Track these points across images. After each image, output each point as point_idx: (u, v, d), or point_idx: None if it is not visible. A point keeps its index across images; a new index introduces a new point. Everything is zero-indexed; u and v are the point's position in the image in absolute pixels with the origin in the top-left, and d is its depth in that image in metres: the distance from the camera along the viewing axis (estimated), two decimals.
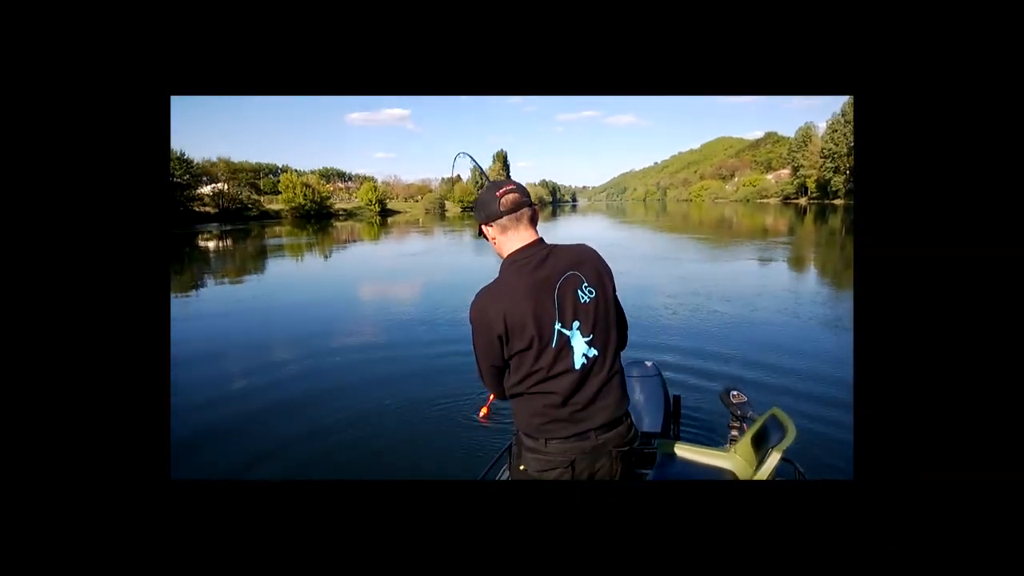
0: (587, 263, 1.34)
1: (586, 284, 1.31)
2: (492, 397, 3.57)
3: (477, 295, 1.31)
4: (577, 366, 1.29)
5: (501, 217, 1.32)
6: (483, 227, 1.37)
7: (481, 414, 3.43)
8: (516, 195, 1.33)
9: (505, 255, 1.35)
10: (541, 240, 1.35)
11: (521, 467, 1.36)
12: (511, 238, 1.34)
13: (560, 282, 1.29)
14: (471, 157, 2.42)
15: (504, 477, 2.21)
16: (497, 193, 1.33)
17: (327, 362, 5.60)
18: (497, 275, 1.34)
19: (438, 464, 3.26)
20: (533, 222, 1.35)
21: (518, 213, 1.33)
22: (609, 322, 1.35)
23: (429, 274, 12.35)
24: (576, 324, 1.29)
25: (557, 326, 1.27)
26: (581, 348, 1.30)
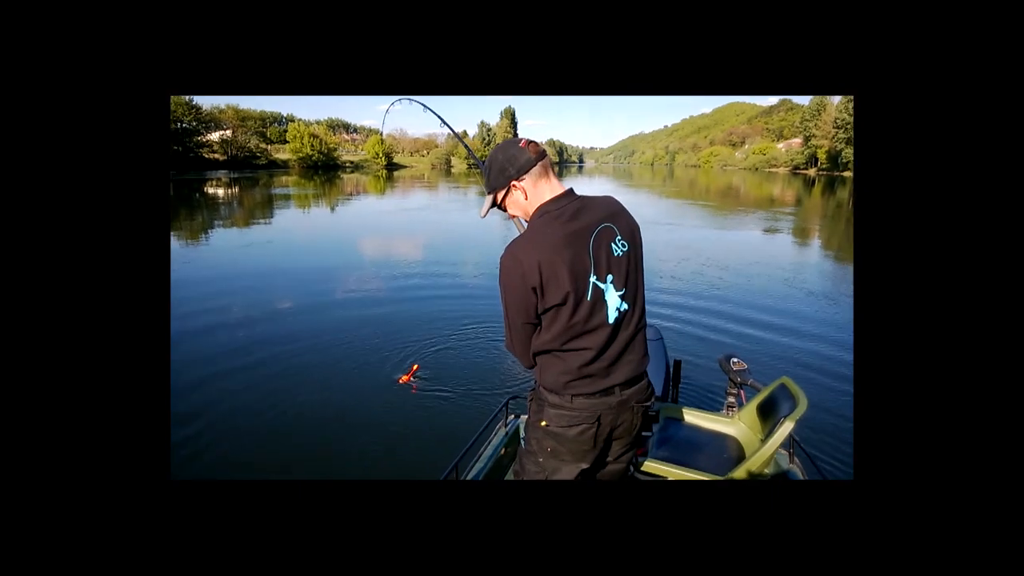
0: (620, 216, 1.31)
1: (619, 237, 1.29)
2: (415, 367, 4.00)
3: (509, 247, 1.25)
4: (611, 320, 1.27)
5: (535, 165, 1.28)
6: (512, 185, 1.30)
7: (403, 379, 3.51)
8: (537, 143, 1.31)
9: (535, 207, 1.30)
10: (571, 190, 1.31)
11: (543, 423, 1.33)
12: (542, 188, 1.29)
13: (595, 234, 1.25)
14: (413, 100, 2.28)
15: (499, 439, 2.24)
16: (520, 144, 1.30)
17: (326, 317, 5.71)
18: (525, 227, 1.32)
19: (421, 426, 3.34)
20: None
21: (546, 160, 1.30)
22: (639, 277, 1.33)
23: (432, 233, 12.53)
24: (610, 277, 1.26)
25: (593, 278, 1.24)
26: (615, 302, 1.28)
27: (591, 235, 1.24)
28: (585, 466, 1.36)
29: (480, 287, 6.81)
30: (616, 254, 1.27)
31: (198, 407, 3.53)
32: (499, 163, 1.30)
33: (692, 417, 2.24)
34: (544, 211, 1.27)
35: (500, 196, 1.34)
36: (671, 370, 2.79)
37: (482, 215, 1.45)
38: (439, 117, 2.62)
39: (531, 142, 1.30)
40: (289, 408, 3.59)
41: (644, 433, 2.14)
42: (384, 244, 10.70)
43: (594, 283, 1.24)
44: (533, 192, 1.29)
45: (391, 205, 20.28)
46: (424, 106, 2.97)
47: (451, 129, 2.61)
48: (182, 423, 3.29)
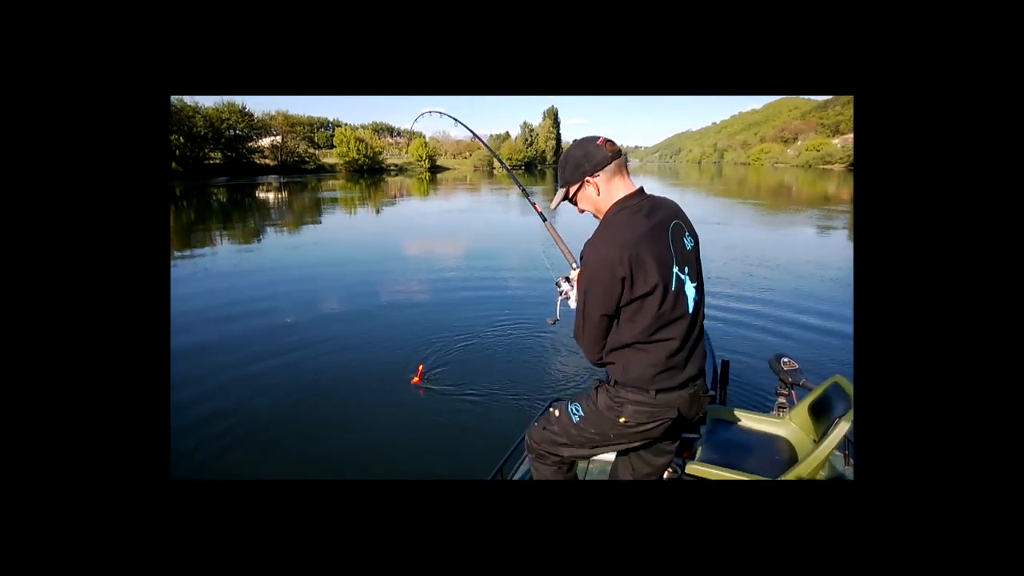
0: (682, 214, 1.37)
1: (687, 233, 1.35)
2: (421, 367, 3.94)
3: (594, 241, 1.28)
4: (690, 310, 1.31)
5: (610, 163, 1.31)
6: (586, 181, 1.33)
7: (414, 380, 3.44)
8: (613, 142, 1.33)
9: (608, 204, 1.33)
10: (642, 188, 1.35)
11: (622, 419, 1.35)
12: (615, 185, 1.33)
13: (671, 228, 1.30)
14: (443, 114, 2.39)
15: (521, 473, 2.16)
16: (598, 142, 1.33)
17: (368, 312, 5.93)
18: (603, 222, 1.34)
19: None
20: None
21: (621, 159, 1.33)
22: (702, 271, 1.38)
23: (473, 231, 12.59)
24: (686, 269, 1.31)
25: (675, 269, 1.28)
26: (691, 293, 1.32)
27: (668, 229, 1.29)
28: (632, 446, 1.43)
29: (519, 288, 6.72)
30: (688, 247, 1.33)
31: (231, 406, 3.61)
32: (575, 159, 1.34)
33: (740, 418, 2.15)
34: (622, 206, 1.31)
35: (573, 190, 1.37)
36: (718, 371, 2.69)
37: (552, 207, 1.48)
38: (469, 130, 2.73)
39: (608, 140, 1.33)
40: (322, 407, 3.62)
41: (689, 435, 2.16)
42: (425, 245, 10.80)
43: (676, 274, 1.28)
44: (606, 189, 1.33)
45: (433, 207, 20.48)
46: (455, 120, 2.94)
47: (481, 141, 2.72)
48: (226, 421, 3.36)
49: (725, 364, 2.75)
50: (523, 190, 2.19)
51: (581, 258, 1.31)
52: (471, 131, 2.76)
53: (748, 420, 2.14)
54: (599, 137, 1.34)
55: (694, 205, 19.19)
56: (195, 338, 4.84)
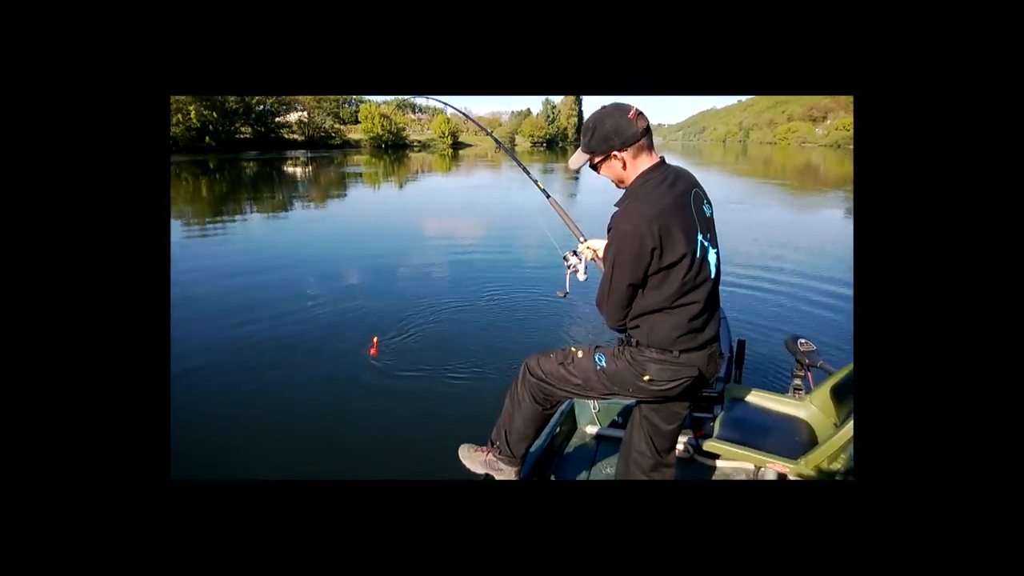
0: (699, 183, 1.41)
1: (705, 200, 1.40)
2: (376, 340, 3.53)
3: (623, 214, 1.32)
4: (712, 275, 1.38)
5: (639, 139, 1.33)
6: (613, 155, 1.35)
7: (372, 352, 3.51)
8: (644, 115, 1.34)
9: (631, 176, 1.37)
10: (663, 158, 1.38)
11: (646, 377, 1.40)
12: (641, 159, 1.36)
13: (692, 196, 1.35)
14: (440, 100, 2.33)
15: (554, 419, 2.20)
16: (629, 116, 1.33)
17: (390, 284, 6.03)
18: (629, 194, 1.37)
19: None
20: None
21: (649, 133, 1.35)
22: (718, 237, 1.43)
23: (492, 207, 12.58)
24: (708, 236, 1.36)
25: (699, 237, 1.33)
26: (712, 259, 1.38)
27: (691, 197, 1.34)
28: (647, 400, 1.52)
29: (532, 263, 6.82)
30: (707, 215, 1.39)
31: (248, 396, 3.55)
32: (605, 130, 1.34)
33: (758, 398, 2.12)
34: (648, 177, 1.35)
35: (597, 160, 1.39)
36: (734, 350, 2.69)
37: (571, 167, 1.47)
38: (468, 116, 2.89)
39: (640, 114, 1.34)
40: (324, 407, 3.48)
41: (701, 415, 2.29)
42: (443, 223, 10.84)
43: (700, 241, 1.33)
44: (632, 163, 1.36)
45: (453, 183, 20.69)
46: (456, 108, 3.40)
47: (485, 130, 2.91)
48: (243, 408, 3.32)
49: (741, 344, 2.73)
50: (523, 168, 2.18)
51: (609, 229, 1.34)
52: (464, 114, 2.94)
53: (766, 400, 2.10)
54: (631, 108, 1.34)
55: (717, 185, 18.89)
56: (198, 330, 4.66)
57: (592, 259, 1.77)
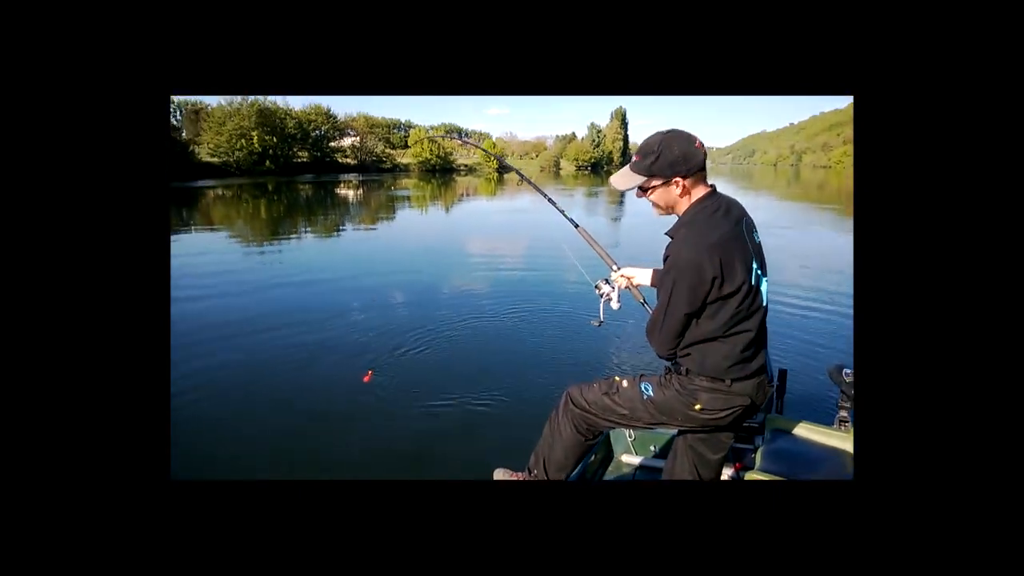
0: (746, 211, 1.41)
1: (755, 228, 1.40)
2: (371, 372, 3.47)
3: (682, 242, 1.32)
4: (764, 303, 1.38)
5: (702, 168, 1.35)
6: (676, 180, 1.34)
7: (366, 379, 3.52)
8: (703, 144, 1.36)
9: (684, 204, 1.38)
10: (715, 186, 1.39)
11: (697, 406, 1.39)
12: (698, 188, 1.37)
13: (744, 224, 1.36)
14: (454, 136, 2.49)
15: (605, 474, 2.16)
16: (696, 144, 1.34)
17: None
18: (685, 222, 1.37)
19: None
20: None
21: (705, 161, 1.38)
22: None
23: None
24: (760, 263, 1.37)
25: (754, 265, 1.34)
26: (764, 287, 1.39)
27: (743, 226, 1.35)
28: (695, 430, 1.50)
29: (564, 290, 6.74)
30: (758, 242, 1.40)
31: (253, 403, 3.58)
32: (673, 155, 1.32)
33: (802, 430, 2.04)
34: (703, 206, 1.36)
35: (655, 183, 1.37)
36: (775, 379, 2.59)
37: (617, 187, 1.43)
38: (478, 146, 3.01)
39: (702, 143, 1.35)
40: (324, 407, 3.56)
41: (742, 446, 2.23)
42: (486, 244, 10.99)
43: (755, 270, 1.34)
44: (690, 191, 1.36)
45: (498, 206, 20.98)
46: (464, 140, 3.35)
47: (493, 156, 3.03)
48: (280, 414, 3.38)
49: (783, 373, 2.64)
50: (548, 198, 2.15)
51: (666, 258, 1.34)
52: (479, 146, 3.01)
53: (810, 431, 2.02)
54: (695, 137, 1.35)
55: (765, 209, 18.54)
56: (199, 336, 4.76)
57: (626, 287, 1.76)
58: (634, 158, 1.41)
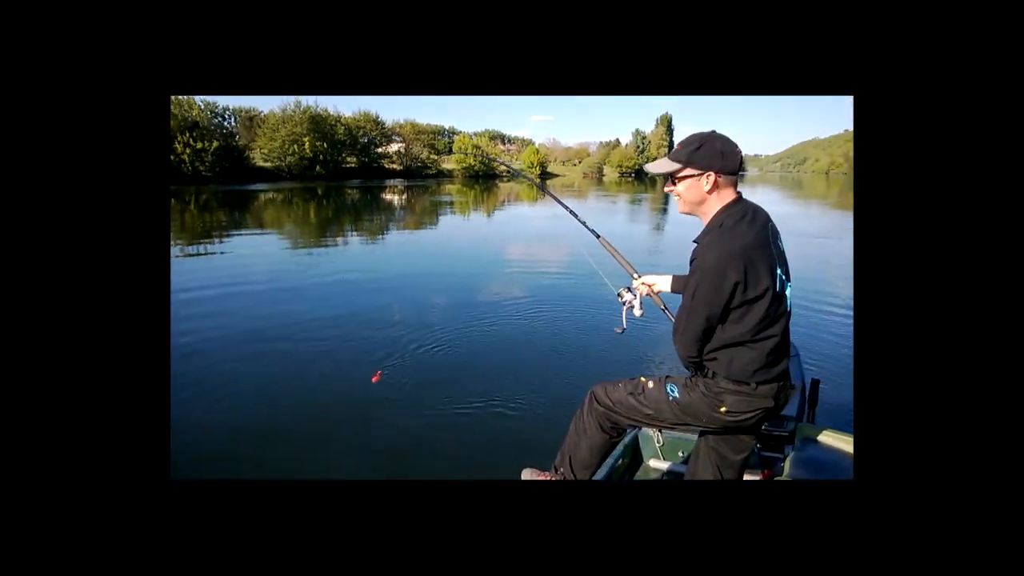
0: (770, 217, 1.43)
1: (779, 236, 1.43)
2: (380, 373, 3.48)
3: (708, 247, 1.34)
4: (789, 308, 1.42)
5: (737, 173, 1.39)
6: (710, 175, 1.37)
7: (374, 379, 3.60)
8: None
9: (713, 206, 1.41)
10: (741, 194, 1.43)
11: (723, 408, 1.42)
12: (727, 192, 1.40)
13: (770, 230, 1.39)
14: (483, 153, 2.50)
15: (618, 450, 2.17)
16: (736, 149, 1.38)
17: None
18: (712, 227, 1.40)
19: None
20: None
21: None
22: None
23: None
24: (784, 269, 1.40)
25: (778, 271, 1.36)
26: (789, 292, 1.42)
27: (768, 232, 1.38)
28: (718, 432, 1.52)
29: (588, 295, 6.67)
30: (782, 249, 1.43)
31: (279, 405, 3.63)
32: (714, 149, 1.37)
33: (832, 439, 2.03)
34: (729, 212, 1.39)
35: (690, 172, 1.39)
36: (807, 389, 2.60)
37: (651, 171, 1.48)
38: (508, 167, 3.22)
39: (740, 151, 1.39)
40: (325, 407, 3.58)
41: (771, 454, 2.20)
42: (526, 249, 11.04)
43: (780, 276, 1.37)
44: (720, 191, 1.40)
45: (538, 212, 20.98)
46: (495, 159, 3.46)
47: (513, 169, 2.98)
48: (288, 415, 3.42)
49: (815, 383, 2.63)
50: (566, 207, 2.19)
51: (692, 260, 1.38)
52: (508, 166, 3.26)
53: (840, 441, 2.01)
54: (737, 145, 1.40)
55: (811, 218, 17.76)
56: (198, 336, 4.87)
57: (647, 294, 1.82)
58: (676, 148, 1.44)
